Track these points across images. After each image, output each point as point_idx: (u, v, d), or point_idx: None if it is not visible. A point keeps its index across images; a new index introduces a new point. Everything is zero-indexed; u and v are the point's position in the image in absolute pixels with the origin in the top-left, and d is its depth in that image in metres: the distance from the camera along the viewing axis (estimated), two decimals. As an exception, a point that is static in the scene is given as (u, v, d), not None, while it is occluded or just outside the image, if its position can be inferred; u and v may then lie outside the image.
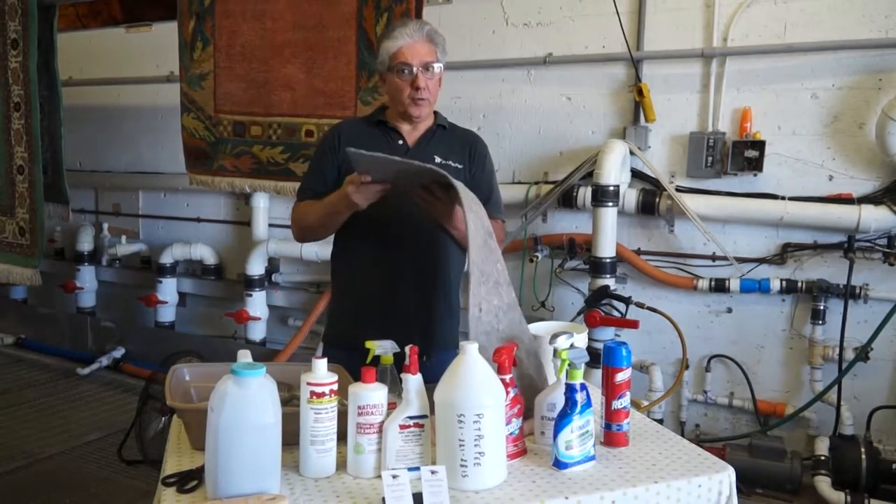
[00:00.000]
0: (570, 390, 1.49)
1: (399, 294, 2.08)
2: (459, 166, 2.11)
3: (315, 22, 3.58)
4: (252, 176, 3.90)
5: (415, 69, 2.01)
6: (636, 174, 3.80)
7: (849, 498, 3.12)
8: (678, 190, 3.68)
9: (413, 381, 1.43)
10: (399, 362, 1.52)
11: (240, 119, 3.87)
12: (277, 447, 1.33)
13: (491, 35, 4.14)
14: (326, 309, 2.39)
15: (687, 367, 3.65)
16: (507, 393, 1.47)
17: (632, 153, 3.72)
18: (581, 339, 1.74)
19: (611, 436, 1.61)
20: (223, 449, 1.28)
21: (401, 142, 2.11)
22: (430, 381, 1.47)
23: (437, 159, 2.09)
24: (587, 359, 1.58)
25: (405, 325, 2.01)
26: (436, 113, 2.18)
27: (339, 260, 2.20)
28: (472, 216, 1.73)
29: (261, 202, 4.75)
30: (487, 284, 1.70)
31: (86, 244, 5.59)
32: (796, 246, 3.54)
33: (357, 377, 1.49)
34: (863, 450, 3.21)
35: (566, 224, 4.03)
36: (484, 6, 4.14)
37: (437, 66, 2.05)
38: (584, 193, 3.80)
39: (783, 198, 3.50)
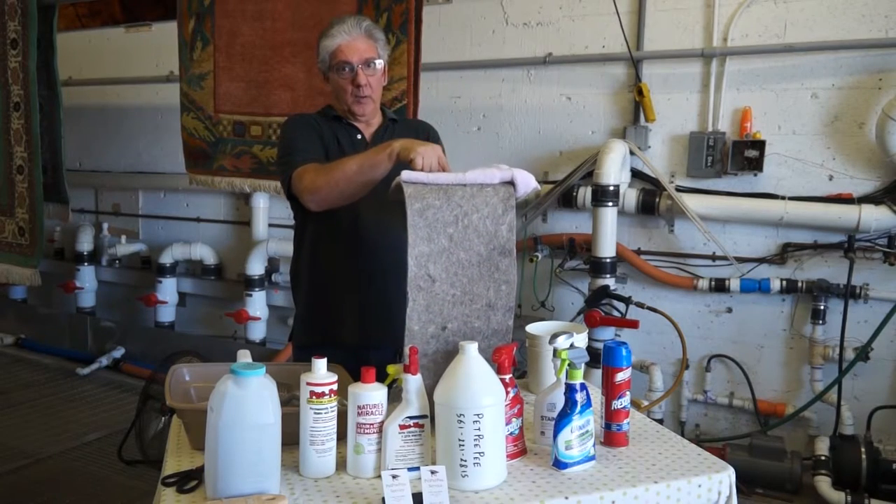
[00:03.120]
0: (570, 390, 1.49)
1: (378, 288, 2.07)
2: None
3: (315, 21, 3.57)
4: (252, 176, 3.89)
5: (355, 66, 2.00)
6: (636, 174, 3.80)
7: (849, 498, 3.12)
8: (678, 190, 3.68)
9: (413, 381, 1.43)
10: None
11: (240, 119, 3.87)
12: (277, 447, 1.33)
13: (491, 35, 4.14)
14: (297, 311, 2.32)
15: (687, 367, 3.66)
16: (507, 393, 1.47)
17: (632, 153, 3.72)
18: (581, 339, 1.74)
19: (611, 436, 1.61)
20: (223, 449, 1.28)
21: (359, 136, 2.11)
22: None
23: None
24: (587, 359, 1.58)
25: (386, 320, 2.00)
26: (382, 108, 2.18)
27: (313, 258, 2.15)
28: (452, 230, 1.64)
29: (261, 202, 4.75)
30: (472, 305, 1.66)
31: (86, 244, 5.59)
32: (796, 246, 3.54)
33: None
34: (863, 450, 3.21)
35: (566, 224, 4.03)
36: (484, 6, 4.14)
37: (378, 63, 2.04)
38: (584, 193, 3.80)
39: (783, 198, 3.50)
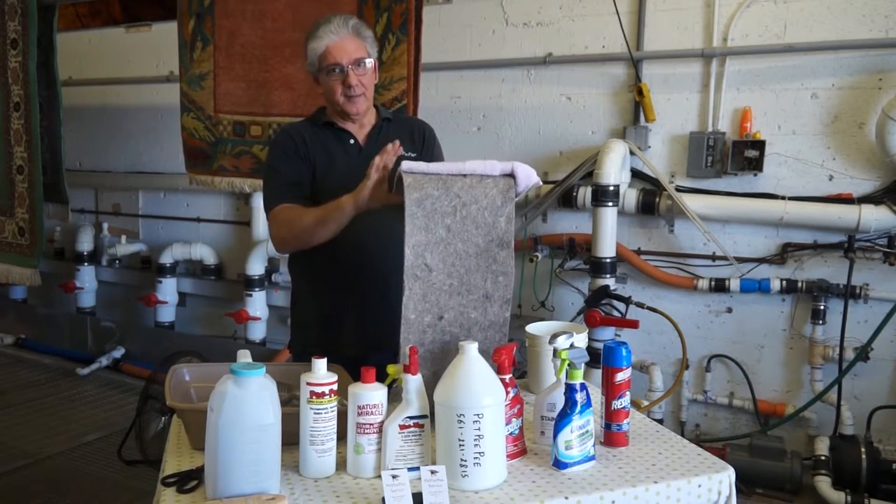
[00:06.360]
0: (570, 390, 1.49)
1: (378, 294, 2.04)
2: (413, 155, 2.07)
3: (315, 22, 3.57)
4: (252, 176, 3.89)
5: (345, 67, 1.97)
6: (636, 174, 3.80)
7: (849, 498, 3.12)
8: (678, 190, 3.68)
9: (413, 382, 1.43)
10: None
11: (240, 119, 3.87)
12: (277, 447, 1.33)
13: (491, 35, 4.14)
14: (294, 317, 2.31)
15: (687, 367, 3.66)
16: (507, 393, 1.47)
17: (632, 153, 3.72)
18: (581, 339, 1.75)
19: (611, 436, 1.61)
20: (223, 449, 1.28)
21: (352, 141, 2.08)
22: None
23: None
24: (587, 359, 1.58)
25: (386, 327, 1.98)
26: (377, 107, 2.15)
27: (310, 265, 2.12)
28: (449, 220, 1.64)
29: (261, 202, 4.73)
30: (469, 295, 1.65)
31: (86, 244, 5.58)
32: (796, 246, 3.54)
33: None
34: (863, 450, 3.21)
35: (566, 224, 4.03)
36: (484, 6, 4.14)
37: (369, 61, 2.01)
38: (584, 193, 3.80)
39: (783, 198, 3.50)
